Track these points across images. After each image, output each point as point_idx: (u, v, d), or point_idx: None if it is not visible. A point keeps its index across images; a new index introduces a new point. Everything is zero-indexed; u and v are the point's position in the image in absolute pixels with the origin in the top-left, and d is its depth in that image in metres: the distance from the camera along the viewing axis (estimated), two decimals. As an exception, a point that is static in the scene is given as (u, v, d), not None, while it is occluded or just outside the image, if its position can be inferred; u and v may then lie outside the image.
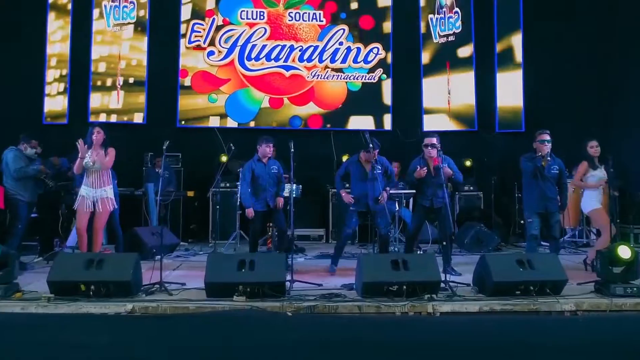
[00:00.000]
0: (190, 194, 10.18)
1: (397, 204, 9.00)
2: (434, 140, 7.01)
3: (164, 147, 6.25)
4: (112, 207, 7.15)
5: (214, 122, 11.44)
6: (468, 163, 10.94)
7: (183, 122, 11.44)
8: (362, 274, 5.53)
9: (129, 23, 11.41)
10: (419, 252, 8.63)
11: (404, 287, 5.42)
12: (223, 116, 11.45)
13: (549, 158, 6.75)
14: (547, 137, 6.82)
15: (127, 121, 11.32)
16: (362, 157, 7.13)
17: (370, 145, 6.79)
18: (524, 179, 6.95)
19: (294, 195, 9.13)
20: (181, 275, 7.00)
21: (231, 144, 9.58)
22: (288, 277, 5.90)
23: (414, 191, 9.31)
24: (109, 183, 7.14)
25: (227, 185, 10.36)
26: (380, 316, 5.27)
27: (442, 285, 5.70)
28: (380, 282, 5.45)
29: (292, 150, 6.62)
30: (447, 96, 11.79)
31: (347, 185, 7.53)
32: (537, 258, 5.73)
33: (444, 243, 6.90)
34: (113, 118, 11.29)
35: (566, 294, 5.65)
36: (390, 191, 8.96)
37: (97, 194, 7.01)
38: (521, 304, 5.38)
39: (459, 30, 11.79)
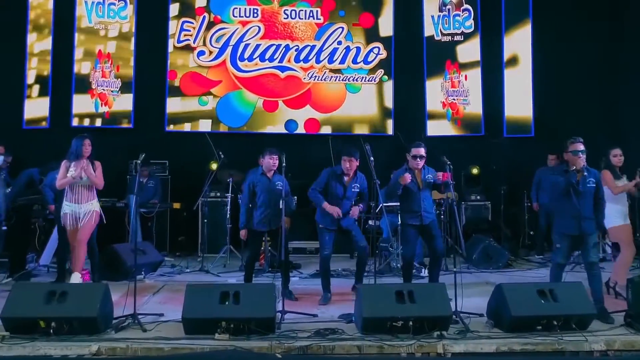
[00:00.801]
0: (177, 205, 9.46)
1: (399, 217, 8.30)
2: (422, 151, 6.37)
3: (139, 161, 5.58)
4: (97, 220, 6.58)
5: (204, 126, 10.78)
6: (475, 171, 10.28)
7: (171, 127, 10.77)
8: (362, 308, 4.86)
9: (116, 22, 10.74)
10: (423, 270, 7.99)
11: (410, 322, 4.77)
12: (214, 120, 10.80)
13: (585, 173, 5.67)
14: (581, 147, 5.76)
15: (113, 125, 10.65)
16: (345, 166, 6.43)
17: (372, 159, 6.08)
18: (554, 195, 5.94)
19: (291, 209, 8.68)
20: (161, 301, 6.32)
21: (220, 153, 8.96)
22: (279, 307, 5.24)
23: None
24: (94, 197, 6.64)
25: (217, 195, 9.70)
26: (383, 357, 4.62)
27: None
28: (383, 318, 4.79)
29: (284, 164, 5.99)
30: (452, 99, 11.11)
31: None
32: (560, 288, 5.05)
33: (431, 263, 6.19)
34: (98, 122, 10.63)
35: (594, 329, 4.99)
36: (389, 204, 8.34)
37: (83, 209, 6.50)
38: (544, 343, 4.71)
39: (470, 30, 11.11)
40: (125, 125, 10.67)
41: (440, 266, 6.32)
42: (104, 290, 4.89)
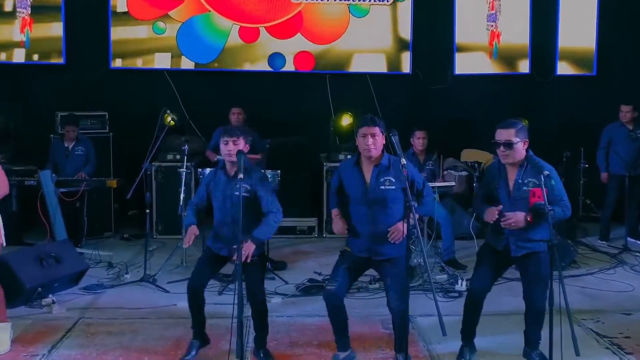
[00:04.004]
0: (112, 183, 6.89)
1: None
2: (512, 132, 3.78)
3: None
4: None
5: (161, 61, 8.53)
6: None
7: (117, 62, 8.45)
8: None
9: None
10: (460, 282, 5.66)
11: None
12: (174, 53, 8.55)
13: None
14: None
15: (38, 61, 8.33)
16: (365, 144, 3.73)
17: (403, 161, 3.44)
18: None
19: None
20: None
21: (168, 111, 6.49)
22: None
23: (451, 183, 6.51)
24: None
25: (177, 157, 7.31)
26: None
27: None
28: None
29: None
30: (489, 25, 8.82)
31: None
32: None
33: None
34: (18, 57, 8.28)
35: None
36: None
37: None
38: None
39: None
40: (55, 61, 8.30)
41: (538, 323, 3.83)
42: None
